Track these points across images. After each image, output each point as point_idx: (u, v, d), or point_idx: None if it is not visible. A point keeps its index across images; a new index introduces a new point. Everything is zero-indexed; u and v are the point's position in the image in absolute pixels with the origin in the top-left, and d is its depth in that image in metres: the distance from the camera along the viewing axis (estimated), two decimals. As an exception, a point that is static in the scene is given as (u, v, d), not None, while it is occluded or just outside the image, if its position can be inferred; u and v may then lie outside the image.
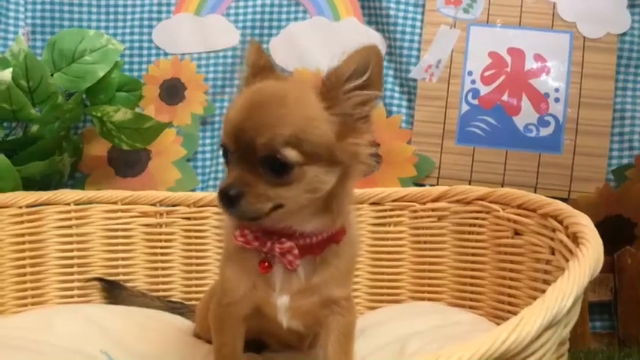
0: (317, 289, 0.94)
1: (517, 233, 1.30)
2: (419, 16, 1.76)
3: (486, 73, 1.72)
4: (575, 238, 1.03)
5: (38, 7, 1.76)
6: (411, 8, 1.76)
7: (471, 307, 1.40)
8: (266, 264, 0.91)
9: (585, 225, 1.03)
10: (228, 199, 0.81)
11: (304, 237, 0.89)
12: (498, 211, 1.35)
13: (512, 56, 1.72)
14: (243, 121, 0.83)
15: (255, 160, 0.81)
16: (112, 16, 1.78)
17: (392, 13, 1.74)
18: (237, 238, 0.90)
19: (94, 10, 1.78)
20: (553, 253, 1.16)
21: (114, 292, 1.50)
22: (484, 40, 1.71)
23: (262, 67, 0.92)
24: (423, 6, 1.76)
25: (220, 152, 0.90)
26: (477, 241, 1.40)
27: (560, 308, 0.77)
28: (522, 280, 1.28)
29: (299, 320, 0.98)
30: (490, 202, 1.37)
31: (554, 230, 1.17)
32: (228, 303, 0.98)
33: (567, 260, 1.03)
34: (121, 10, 1.79)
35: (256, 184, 0.82)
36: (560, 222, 1.14)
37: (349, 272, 1.01)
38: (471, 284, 1.41)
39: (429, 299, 1.46)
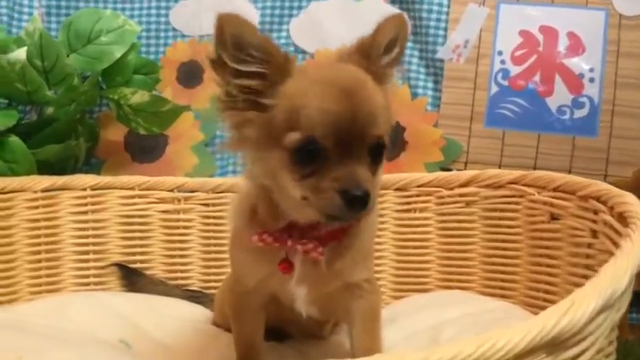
0: (339, 274, 0.90)
1: (554, 217, 1.24)
2: (444, -7, 1.69)
3: (517, 53, 1.66)
4: (621, 218, 0.98)
5: (53, -13, 1.72)
6: (436, -15, 1.69)
7: (502, 297, 1.33)
8: (286, 264, 0.87)
9: (632, 204, 0.98)
10: (366, 199, 0.75)
11: (326, 226, 0.84)
12: (533, 194, 1.29)
13: (544, 35, 1.65)
14: (350, 111, 0.76)
15: (362, 151, 0.77)
16: (128, -2, 1.74)
17: (419, -4, 1.67)
18: (253, 240, 0.85)
19: (111, -10, 1.73)
20: (595, 237, 1.11)
21: (132, 279, 1.46)
22: (514, 18, 1.65)
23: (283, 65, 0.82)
24: (450, -16, 1.69)
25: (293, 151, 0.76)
26: (509, 227, 1.35)
27: (614, 289, 0.72)
28: (560, 267, 1.23)
29: (318, 307, 0.94)
30: (524, 185, 1.31)
31: (596, 212, 1.12)
32: (241, 292, 0.95)
33: (614, 242, 1.00)
34: (137, -10, 1.74)
35: (371, 178, 0.77)
36: (604, 202, 1.09)
37: (370, 252, 0.98)
38: (503, 272, 1.35)
39: (458, 288, 1.40)
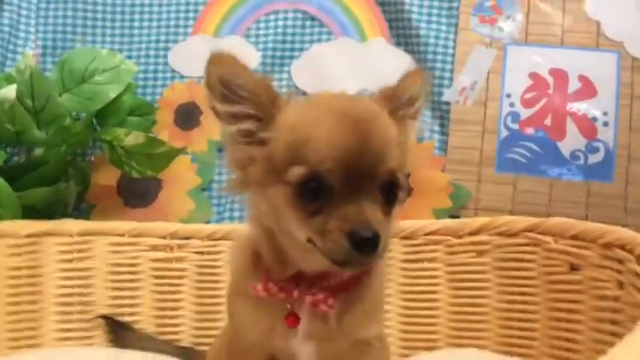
0: (349, 330, 0.83)
1: (574, 268, 1.17)
2: (451, 36, 1.65)
3: (527, 96, 1.60)
4: (651, 268, 0.92)
5: (50, 27, 1.68)
6: (443, 27, 1.66)
7: (520, 355, 1.24)
8: (292, 317, 0.80)
9: (661, 252, 0.92)
10: (375, 242, 0.68)
11: (337, 274, 0.79)
12: (550, 243, 1.22)
13: (554, 77, 1.60)
14: (359, 143, 0.70)
15: (372, 189, 0.71)
16: (126, 38, 1.71)
17: (422, 32, 1.64)
18: (257, 290, 0.79)
19: (108, 31, 1.70)
20: (622, 288, 1.05)
21: (119, 333, 1.36)
22: (523, 60, 1.61)
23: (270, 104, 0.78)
24: (456, 25, 1.66)
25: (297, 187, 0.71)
26: (525, 278, 1.27)
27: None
28: (583, 322, 1.15)
29: None
30: (540, 233, 1.24)
31: (621, 261, 1.07)
32: (239, 348, 0.87)
33: (644, 294, 0.94)
34: (136, 31, 1.71)
35: (382, 218, 0.71)
36: (630, 251, 1.04)
37: (381, 304, 0.93)
38: (520, 328, 1.26)
39: (471, 345, 1.31)
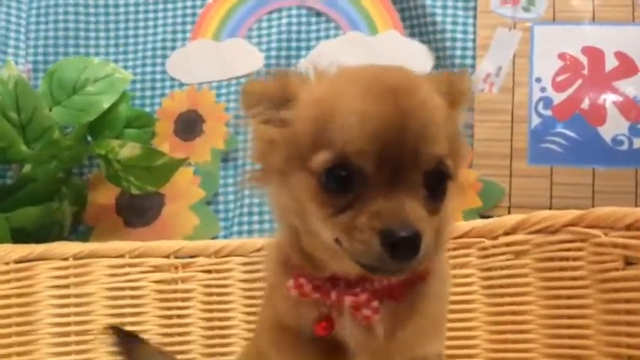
0: (402, 347, 0.71)
1: (629, 262, 1.05)
2: (470, 20, 1.55)
3: (558, 78, 1.48)
4: None
5: (40, 42, 1.63)
6: (460, 12, 1.55)
7: None
8: (325, 323, 0.69)
9: None
10: (415, 245, 0.57)
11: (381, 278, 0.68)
12: (600, 236, 1.09)
13: (588, 57, 1.48)
14: (399, 117, 0.58)
15: (415, 178, 0.59)
16: (121, 48, 1.64)
17: (438, 19, 1.54)
18: (289, 289, 0.69)
19: (102, 41, 1.64)
20: None
21: (127, 346, 1.24)
22: (552, 40, 1.49)
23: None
24: (475, 8, 1.56)
25: (318, 176, 0.61)
26: (573, 278, 1.13)
27: None
28: None
29: None
30: (586, 227, 1.11)
31: None
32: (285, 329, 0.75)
33: None
34: (131, 40, 1.65)
35: (425, 216, 0.59)
36: None
37: (442, 319, 0.78)
38: (570, 335, 1.12)
39: (514, 359, 1.17)
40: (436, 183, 0.61)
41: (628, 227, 1.05)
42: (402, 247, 0.56)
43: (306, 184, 0.61)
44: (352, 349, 0.70)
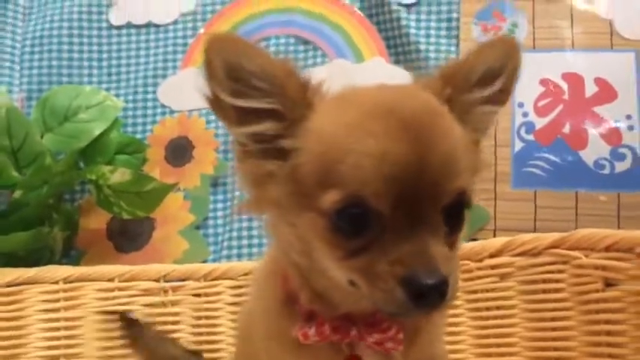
0: (418, 355, 0.69)
1: (609, 284, 1.06)
2: (453, 48, 1.57)
3: (540, 104, 1.49)
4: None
5: (35, 71, 1.65)
6: (443, 40, 1.57)
7: None
8: None
9: None
10: (442, 293, 0.53)
11: None
12: (580, 258, 1.10)
13: (568, 82, 1.49)
14: (418, 155, 0.53)
15: (435, 215, 0.54)
16: (114, 77, 1.67)
17: (422, 47, 1.56)
18: (307, 336, 0.63)
19: (95, 71, 1.67)
20: None
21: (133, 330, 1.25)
22: (533, 66, 1.50)
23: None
24: (457, 37, 1.58)
25: (331, 216, 0.54)
26: (555, 300, 1.14)
27: None
28: (627, 345, 1.03)
29: None
30: (567, 248, 1.12)
31: None
32: None
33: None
34: (123, 69, 1.68)
35: (448, 255, 0.55)
36: None
37: (444, 323, 0.82)
38: (556, 358, 1.12)
39: None
40: (454, 215, 0.56)
41: (607, 248, 1.06)
42: (429, 296, 0.52)
43: (313, 224, 0.56)
44: None
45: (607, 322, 1.05)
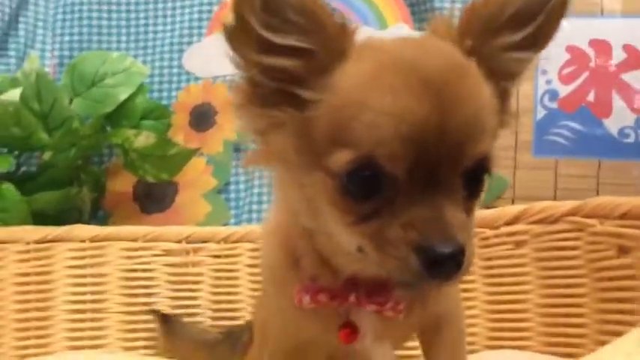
0: (421, 315, 0.68)
1: (623, 251, 1.05)
2: (479, 13, 1.53)
3: (565, 71, 1.46)
4: None
5: (66, 37, 1.68)
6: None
7: (568, 355, 1.08)
8: (349, 331, 0.63)
9: None
10: (458, 262, 0.50)
11: None
12: (595, 226, 1.09)
13: (595, 49, 1.45)
14: (437, 115, 0.49)
15: (454, 180, 0.51)
16: (141, 43, 1.69)
17: (446, 12, 1.53)
18: (302, 302, 0.62)
19: (123, 37, 1.69)
20: None
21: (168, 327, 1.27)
22: (559, 33, 1.45)
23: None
24: (484, 1, 1.53)
25: (345, 176, 0.51)
26: (569, 268, 1.13)
27: None
28: (637, 312, 1.01)
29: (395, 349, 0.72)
30: (583, 216, 1.12)
31: None
32: (288, 349, 0.70)
33: None
34: (150, 35, 1.70)
35: (465, 222, 0.52)
36: None
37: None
38: (567, 324, 1.12)
39: (512, 347, 1.18)
40: (474, 180, 0.53)
41: (622, 216, 1.05)
42: (445, 265, 0.49)
43: (322, 185, 0.53)
44: (372, 337, 0.65)
45: (619, 289, 1.04)
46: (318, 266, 0.61)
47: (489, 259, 1.23)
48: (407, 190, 0.50)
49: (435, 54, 0.53)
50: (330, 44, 0.52)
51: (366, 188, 0.51)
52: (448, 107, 0.49)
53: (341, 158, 0.50)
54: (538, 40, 0.57)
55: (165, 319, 1.28)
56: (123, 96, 1.47)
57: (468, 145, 0.50)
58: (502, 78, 0.57)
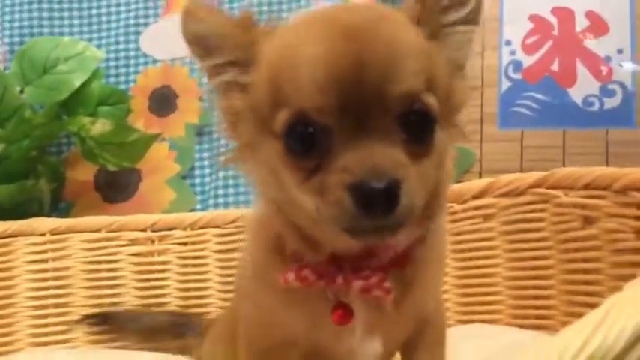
0: (410, 312, 0.67)
1: (588, 222, 1.04)
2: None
3: (528, 41, 1.45)
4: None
5: (16, 23, 1.62)
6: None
7: (537, 327, 1.10)
8: (342, 311, 0.62)
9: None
10: (392, 195, 0.48)
11: (388, 250, 0.60)
12: (560, 197, 1.09)
13: (558, 17, 1.44)
14: (355, 58, 0.50)
15: (385, 122, 0.51)
16: (94, 27, 1.63)
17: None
18: (288, 279, 0.61)
19: (76, 21, 1.63)
20: None
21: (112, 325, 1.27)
22: (521, 3, 1.45)
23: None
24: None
25: (282, 139, 0.54)
26: (536, 240, 1.13)
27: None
28: (603, 282, 1.02)
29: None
30: (548, 188, 1.11)
31: (639, 207, 0.94)
32: (269, 347, 0.69)
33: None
34: (104, 18, 1.64)
35: (403, 160, 0.51)
36: None
37: (440, 281, 0.78)
38: (535, 296, 1.13)
39: (481, 321, 1.18)
40: (418, 125, 0.53)
41: (586, 186, 1.04)
42: (375, 201, 0.48)
43: (274, 150, 0.55)
44: (362, 328, 0.65)
45: (584, 260, 1.03)
46: (299, 241, 0.61)
47: (458, 233, 1.22)
48: (341, 138, 0.51)
49: (359, 8, 0.56)
50: (241, 47, 0.59)
51: (304, 143, 0.52)
52: (364, 49, 0.50)
53: (280, 119, 0.53)
54: (472, 18, 0.61)
55: (105, 320, 1.27)
56: (77, 82, 1.41)
57: (388, 85, 0.51)
58: (454, 51, 0.60)
